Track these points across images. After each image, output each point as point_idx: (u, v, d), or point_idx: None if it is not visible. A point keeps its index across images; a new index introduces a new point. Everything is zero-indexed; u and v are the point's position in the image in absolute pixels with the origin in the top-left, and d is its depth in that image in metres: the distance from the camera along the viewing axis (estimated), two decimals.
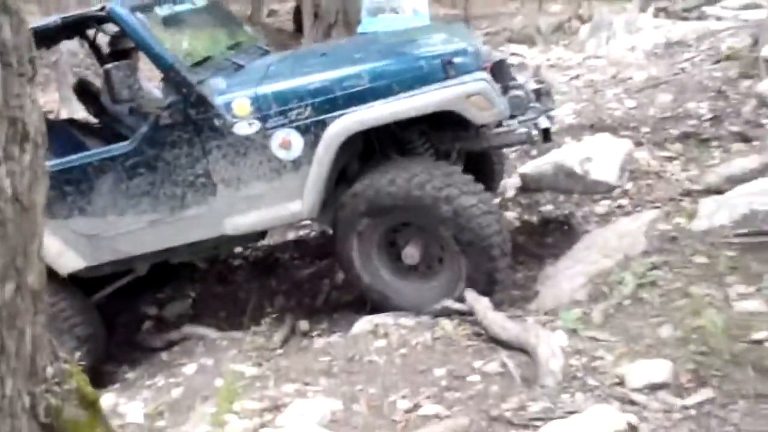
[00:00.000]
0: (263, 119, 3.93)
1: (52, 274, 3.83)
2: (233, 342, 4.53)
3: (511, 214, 5.59)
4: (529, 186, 5.82)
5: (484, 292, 3.94)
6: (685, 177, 5.27)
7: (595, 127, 6.57)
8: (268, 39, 17.77)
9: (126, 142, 4.16)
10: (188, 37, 4.58)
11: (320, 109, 3.88)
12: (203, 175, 4.04)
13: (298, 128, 3.91)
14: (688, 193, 4.87)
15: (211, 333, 4.75)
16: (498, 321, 3.55)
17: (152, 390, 4.23)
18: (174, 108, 3.96)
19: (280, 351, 4.26)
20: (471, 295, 3.90)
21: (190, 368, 4.32)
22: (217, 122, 3.95)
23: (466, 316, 3.87)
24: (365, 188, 3.96)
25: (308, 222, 6.34)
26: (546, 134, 4.25)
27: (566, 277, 4.34)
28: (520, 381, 3.18)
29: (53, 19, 4.21)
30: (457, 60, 3.86)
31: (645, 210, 4.84)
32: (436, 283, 4.15)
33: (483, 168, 5.11)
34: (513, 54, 15.73)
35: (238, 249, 5.98)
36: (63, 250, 4.19)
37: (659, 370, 2.90)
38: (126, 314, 5.50)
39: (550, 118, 4.40)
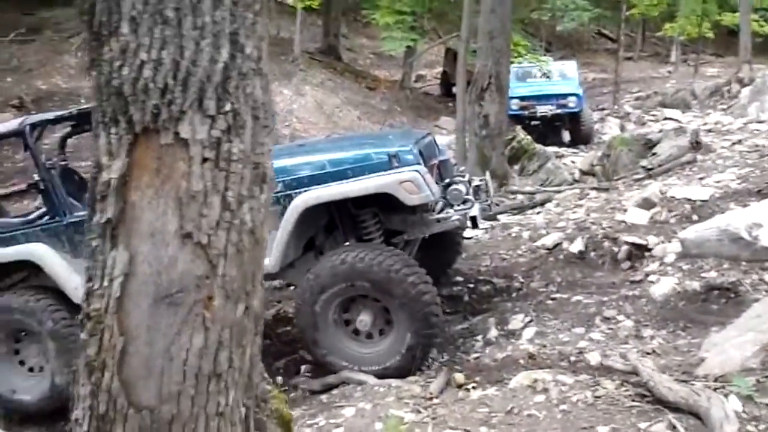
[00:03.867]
0: None
1: None
2: (390, 389, 4.68)
3: (670, 280, 5.45)
4: (689, 251, 5.65)
5: (417, 361, 4.76)
6: None
7: (762, 193, 6.30)
8: (416, 103, 18.45)
9: None
10: None
11: (289, 186, 4.79)
12: None
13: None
14: None
15: (369, 379, 4.93)
16: (665, 382, 3.48)
17: (314, 429, 4.45)
18: None
19: (437, 400, 4.36)
20: (634, 356, 3.85)
21: (349, 411, 4.50)
22: None
23: (629, 376, 3.82)
24: (321, 270, 4.73)
25: (461, 279, 6.55)
26: (474, 222, 5.31)
27: (735, 344, 4.16)
28: None
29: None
30: (401, 155, 4.82)
31: None
32: (382, 346, 4.86)
33: (440, 248, 6.03)
34: (667, 118, 15.34)
35: None
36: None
37: None
38: (285, 358, 5.83)
39: (485, 209, 5.58)
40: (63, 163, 5.89)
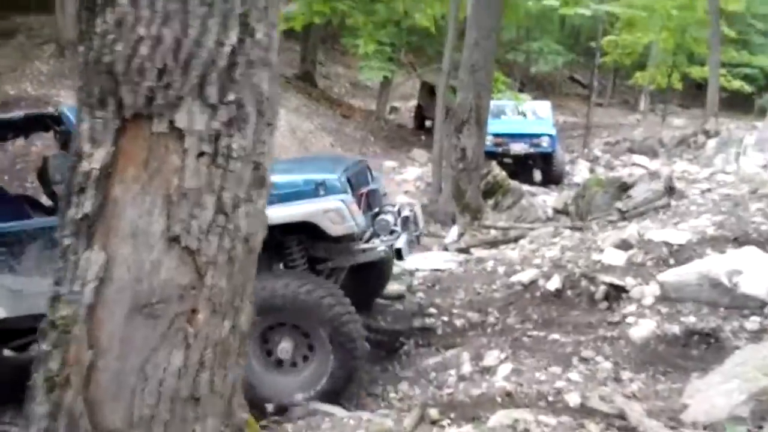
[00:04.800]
0: None
1: None
2: (360, 422, 4.45)
3: (649, 323, 5.34)
4: (669, 294, 5.56)
5: (342, 387, 4.71)
6: None
7: (739, 240, 6.27)
8: (389, 134, 18.41)
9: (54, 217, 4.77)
10: None
11: None
12: None
13: None
14: None
15: (337, 411, 4.69)
16: (656, 429, 3.33)
17: None
18: None
19: None
20: (621, 399, 3.70)
21: None
22: None
23: (614, 419, 3.66)
24: None
25: (435, 311, 6.37)
26: (398, 253, 5.10)
27: (721, 392, 4.05)
28: None
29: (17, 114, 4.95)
30: (327, 183, 4.81)
31: None
32: (301, 376, 4.77)
33: (368, 277, 6.06)
34: (635, 164, 15.59)
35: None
36: None
37: None
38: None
39: (413, 240, 5.46)
40: None
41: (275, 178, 4.82)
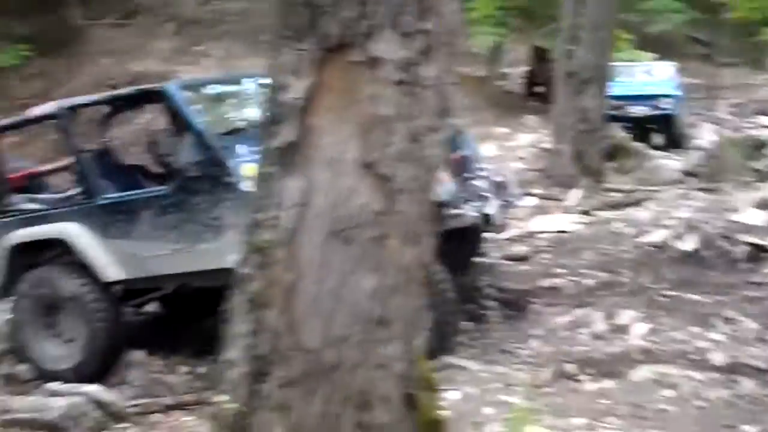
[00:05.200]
0: None
1: None
2: (496, 375, 4.50)
3: None
4: None
5: (441, 342, 4.68)
6: None
7: None
8: (500, 101, 18.14)
9: (166, 186, 5.12)
10: (229, 110, 5.67)
11: None
12: (215, 219, 4.83)
13: None
14: None
15: (471, 365, 4.75)
16: None
17: None
18: (199, 165, 4.84)
19: (548, 389, 4.16)
20: None
21: (454, 395, 4.33)
22: (229, 180, 4.74)
23: None
24: None
25: (562, 271, 6.30)
26: (487, 219, 5.20)
27: None
28: None
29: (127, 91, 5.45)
30: None
31: None
32: None
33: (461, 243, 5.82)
34: (764, 126, 14.63)
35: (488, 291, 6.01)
36: (109, 263, 5.16)
37: None
38: None
39: (505, 206, 5.51)
40: (100, 145, 6.10)
41: None
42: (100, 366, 5.27)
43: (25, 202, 5.75)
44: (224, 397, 1.86)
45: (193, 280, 5.32)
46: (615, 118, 12.16)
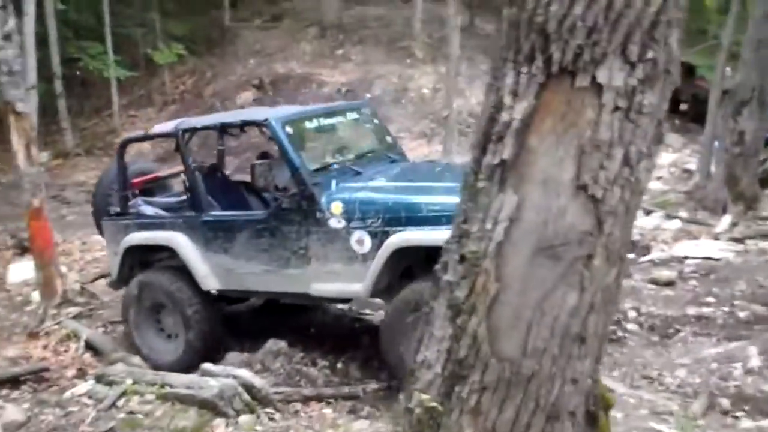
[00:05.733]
0: (348, 220, 5.06)
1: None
2: (641, 401, 4.41)
3: None
4: None
5: None
6: None
7: None
8: None
9: (263, 212, 5.71)
10: (325, 146, 6.02)
11: (387, 223, 4.95)
12: (304, 248, 5.27)
13: (370, 232, 5.00)
14: None
15: (617, 387, 4.67)
16: None
17: None
18: (293, 198, 5.26)
19: (700, 422, 4.03)
20: None
21: None
22: (318, 215, 5.15)
23: None
24: (412, 292, 4.82)
25: (711, 300, 6.05)
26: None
27: None
28: None
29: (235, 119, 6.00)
30: None
31: None
32: None
33: None
34: None
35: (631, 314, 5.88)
36: (209, 274, 5.74)
37: None
38: None
39: None
40: (210, 164, 6.84)
41: (445, 199, 4.87)
42: (197, 361, 5.68)
43: (144, 206, 6.38)
44: (423, 396, 1.98)
45: (280, 297, 5.98)
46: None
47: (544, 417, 1.92)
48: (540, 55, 1.73)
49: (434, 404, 1.94)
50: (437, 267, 2.06)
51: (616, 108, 1.73)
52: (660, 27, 1.71)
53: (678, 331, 5.56)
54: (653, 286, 6.39)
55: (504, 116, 1.81)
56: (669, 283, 6.44)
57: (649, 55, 1.72)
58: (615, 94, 1.72)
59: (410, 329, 4.88)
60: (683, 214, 8.66)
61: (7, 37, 6.60)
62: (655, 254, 7.20)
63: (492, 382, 1.90)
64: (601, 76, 1.71)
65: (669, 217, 8.44)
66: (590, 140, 1.75)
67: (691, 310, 5.83)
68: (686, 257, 7.06)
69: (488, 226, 1.85)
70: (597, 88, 1.73)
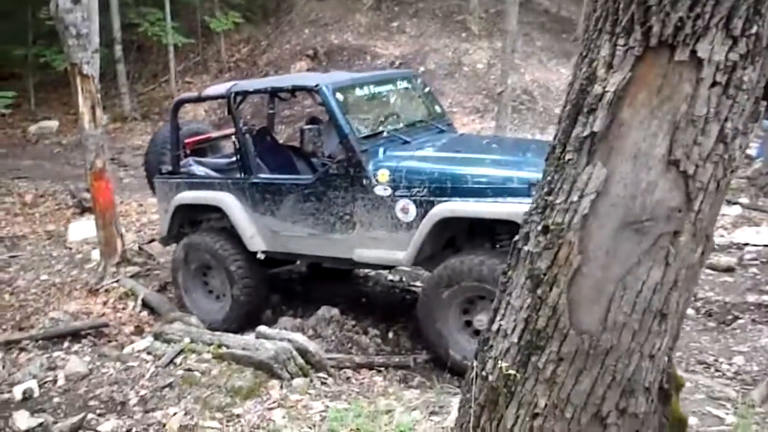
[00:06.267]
0: (394, 188, 5.10)
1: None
2: (697, 385, 4.35)
3: None
4: None
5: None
6: None
7: None
8: None
9: (310, 176, 5.68)
10: (375, 113, 5.96)
11: (433, 193, 4.98)
12: (349, 214, 5.35)
13: (415, 201, 5.05)
14: None
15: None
16: None
17: None
18: (341, 164, 5.29)
19: (760, 409, 3.96)
20: None
21: None
22: (365, 181, 5.21)
23: None
24: (447, 267, 4.91)
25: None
26: None
27: None
28: None
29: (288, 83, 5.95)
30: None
31: None
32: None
33: None
34: None
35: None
36: (255, 234, 5.84)
37: None
38: None
39: None
40: (261, 126, 6.87)
41: (491, 171, 4.94)
42: (244, 318, 5.96)
43: (195, 166, 6.50)
44: (502, 363, 2.00)
45: (323, 261, 6.02)
46: None
47: (619, 391, 1.93)
48: (639, 27, 1.70)
49: (513, 372, 1.96)
50: (517, 237, 2.07)
51: (715, 83, 1.70)
52: (765, 1, 1.67)
53: (736, 318, 5.47)
54: (712, 272, 6.28)
55: (597, 88, 1.79)
56: (728, 270, 6.31)
57: (753, 29, 1.68)
58: (715, 69, 1.69)
59: (446, 304, 4.97)
60: (744, 200, 8.44)
61: (77, 0, 6.74)
62: (714, 240, 7.06)
63: (569, 354, 1.91)
64: (702, 50, 1.68)
65: (729, 202, 8.24)
66: (685, 115, 1.72)
67: (751, 298, 5.72)
68: (746, 244, 6.90)
69: (574, 198, 1.85)
70: (696, 62, 1.69)
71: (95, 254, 7.62)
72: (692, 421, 3.83)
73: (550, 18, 18.27)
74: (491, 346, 2.10)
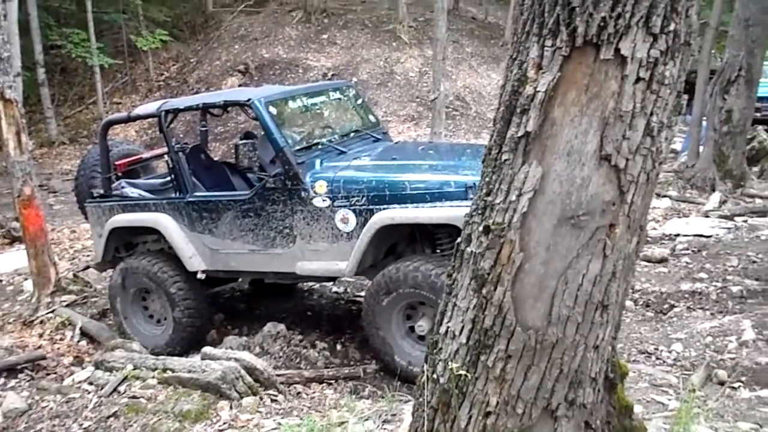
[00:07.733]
0: (333, 198, 5.10)
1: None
2: (640, 374, 4.48)
3: None
4: None
5: None
6: None
7: None
8: None
9: (247, 192, 5.59)
10: (309, 125, 5.95)
11: (371, 201, 4.99)
12: (289, 227, 5.32)
13: (354, 211, 5.05)
14: None
15: None
16: None
17: None
18: (277, 178, 5.23)
19: (699, 393, 4.11)
20: None
21: None
22: (303, 194, 5.18)
23: None
24: (384, 275, 4.93)
25: (704, 276, 6.15)
26: None
27: None
28: None
29: (219, 99, 5.77)
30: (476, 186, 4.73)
31: None
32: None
33: None
34: None
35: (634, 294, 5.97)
36: (195, 254, 5.76)
37: None
38: None
39: None
40: (193, 144, 6.71)
41: (429, 177, 4.96)
42: (187, 341, 5.85)
43: (128, 187, 6.36)
44: (453, 364, 2.02)
45: (265, 277, 5.97)
46: (759, 121, 11.61)
47: (567, 383, 1.97)
48: (564, 28, 1.76)
49: (463, 372, 1.98)
50: (459, 239, 2.09)
51: (639, 79, 1.77)
52: None
53: (672, 306, 5.66)
54: (647, 264, 6.48)
55: (528, 89, 1.84)
56: (662, 261, 6.53)
57: (671, 27, 1.75)
58: (638, 66, 1.76)
59: (387, 312, 4.98)
60: (672, 192, 8.76)
61: None
62: (647, 231, 7.30)
63: (517, 350, 1.95)
64: (625, 48, 1.74)
65: (659, 196, 8.54)
66: (613, 111, 1.78)
67: (685, 286, 5.93)
68: (677, 235, 7.16)
69: (513, 197, 1.89)
70: (620, 59, 1.76)
71: (28, 285, 7.34)
72: (637, 408, 3.92)
73: (478, 24, 18.62)
74: (440, 349, 2.12)
